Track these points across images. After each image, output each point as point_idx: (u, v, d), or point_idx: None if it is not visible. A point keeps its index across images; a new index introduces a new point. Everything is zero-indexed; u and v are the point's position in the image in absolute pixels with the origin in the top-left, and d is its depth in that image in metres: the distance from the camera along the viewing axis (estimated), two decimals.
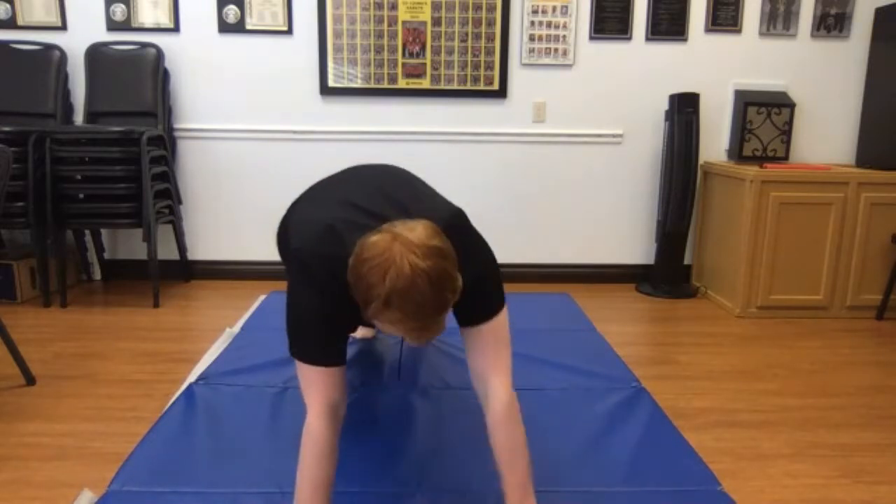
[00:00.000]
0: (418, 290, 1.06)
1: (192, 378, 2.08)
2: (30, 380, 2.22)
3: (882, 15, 3.38)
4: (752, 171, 3.10)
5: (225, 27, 3.37)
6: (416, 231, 1.11)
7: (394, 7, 3.33)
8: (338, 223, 1.28)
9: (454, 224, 1.30)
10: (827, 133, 3.59)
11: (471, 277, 1.24)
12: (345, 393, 1.35)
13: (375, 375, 2.08)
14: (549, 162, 3.56)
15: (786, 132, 3.41)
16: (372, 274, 1.07)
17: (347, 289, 1.16)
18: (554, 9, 3.39)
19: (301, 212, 1.47)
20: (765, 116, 3.39)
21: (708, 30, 3.46)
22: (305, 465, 1.28)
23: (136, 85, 3.30)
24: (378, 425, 1.83)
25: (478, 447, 1.65)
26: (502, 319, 1.36)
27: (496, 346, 1.34)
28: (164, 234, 3.43)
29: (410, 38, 3.37)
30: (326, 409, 1.29)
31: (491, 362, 1.33)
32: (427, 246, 1.08)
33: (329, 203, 1.39)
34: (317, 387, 1.31)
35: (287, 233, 1.49)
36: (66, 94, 3.33)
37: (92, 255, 3.55)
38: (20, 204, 2.97)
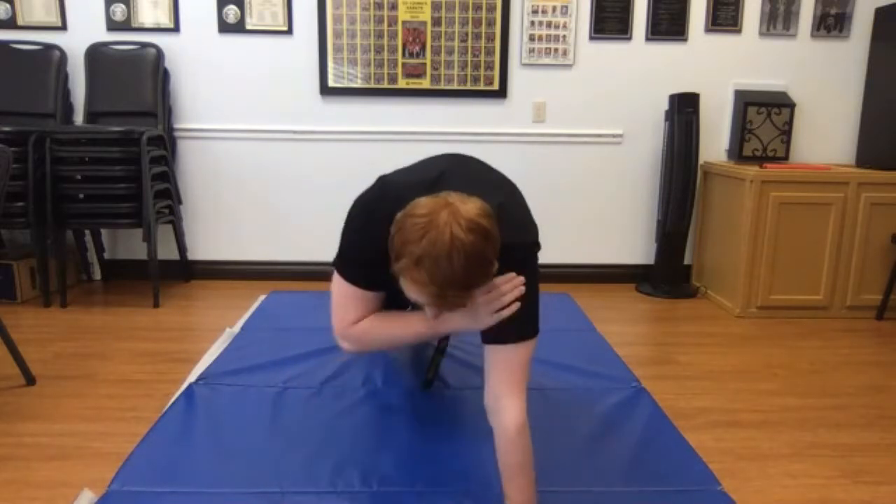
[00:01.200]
0: (451, 260, 1.06)
1: (192, 378, 2.08)
2: (30, 380, 2.22)
3: (882, 15, 3.38)
4: (752, 171, 3.10)
5: (225, 27, 3.37)
6: (469, 205, 1.10)
7: (394, 7, 3.33)
8: (428, 184, 1.28)
9: (526, 248, 1.30)
10: (827, 133, 3.59)
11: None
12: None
13: (377, 375, 2.08)
14: (549, 162, 3.56)
15: (786, 132, 3.41)
16: (413, 230, 1.07)
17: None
18: (554, 9, 3.39)
19: (420, 162, 1.46)
20: (765, 116, 3.39)
21: (708, 30, 3.46)
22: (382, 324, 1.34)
23: (136, 85, 3.30)
24: (378, 425, 1.83)
25: (478, 447, 1.65)
26: (529, 347, 1.33)
27: (515, 370, 1.32)
28: (164, 234, 3.43)
29: (410, 38, 3.37)
30: (355, 321, 1.33)
31: (509, 382, 1.31)
32: (474, 222, 1.08)
33: (438, 170, 1.36)
34: (349, 306, 1.33)
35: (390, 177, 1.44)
36: (66, 94, 3.33)
37: (92, 255, 3.55)
38: (20, 204, 2.97)
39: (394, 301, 1.42)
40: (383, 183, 1.34)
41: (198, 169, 3.51)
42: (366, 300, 1.34)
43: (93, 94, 3.30)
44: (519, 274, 1.28)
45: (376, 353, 2.21)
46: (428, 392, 2.00)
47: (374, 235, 1.24)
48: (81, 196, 3.07)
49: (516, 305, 1.25)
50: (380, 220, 1.22)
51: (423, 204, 1.10)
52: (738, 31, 3.47)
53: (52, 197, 2.99)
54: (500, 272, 1.22)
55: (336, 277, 1.35)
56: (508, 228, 1.22)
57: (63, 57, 3.29)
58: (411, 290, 1.13)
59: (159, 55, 3.30)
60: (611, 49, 3.46)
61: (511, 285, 1.25)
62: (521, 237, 1.31)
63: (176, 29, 3.36)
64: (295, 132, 3.47)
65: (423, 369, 2.13)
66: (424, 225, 1.06)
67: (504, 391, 1.30)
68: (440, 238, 1.05)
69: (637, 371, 2.24)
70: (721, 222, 3.40)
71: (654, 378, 2.32)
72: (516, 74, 3.46)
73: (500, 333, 1.30)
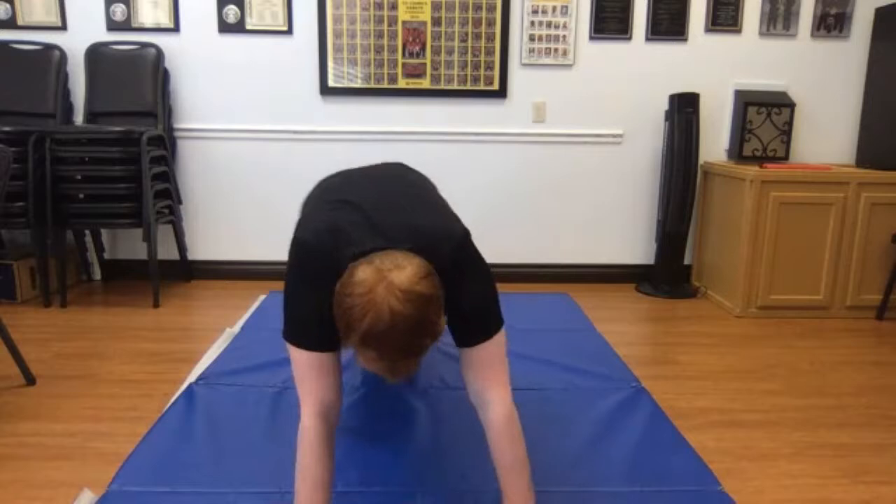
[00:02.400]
0: (395, 334, 1.08)
1: (192, 378, 2.08)
2: (30, 380, 2.22)
3: (882, 15, 3.38)
4: (752, 171, 3.10)
5: (225, 27, 3.37)
6: (405, 272, 1.11)
7: (394, 7, 3.33)
8: (343, 224, 1.29)
9: (459, 247, 1.30)
10: (827, 133, 3.59)
11: (471, 302, 1.26)
12: (339, 389, 1.35)
13: (375, 375, 2.08)
14: (549, 162, 3.56)
15: (786, 132, 3.41)
16: (353, 311, 1.09)
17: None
18: (554, 9, 3.39)
19: (315, 203, 1.47)
20: (765, 116, 3.39)
21: (708, 30, 3.46)
22: (303, 465, 1.29)
23: (136, 85, 3.30)
24: (378, 425, 1.83)
25: (477, 447, 1.65)
26: (500, 339, 1.35)
27: (492, 364, 1.33)
28: (164, 234, 3.43)
29: (410, 38, 3.37)
30: (320, 406, 1.30)
31: (489, 377, 1.33)
32: (411, 291, 1.09)
33: (342, 201, 1.38)
34: (310, 379, 1.31)
35: (303, 210, 1.50)
36: (66, 94, 3.33)
37: (92, 255, 3.55)
38: (20, 204, 2.97)
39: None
40: (303, 243, 1.33)
41: (198, 169, 3.51)
42: (322, 366, 1.31)
43: (93, 94, 3.30)
44: (472, 271, 1.30)
45: None
46: (427, 392, 2.00)
47: (318, 292, 1.25)
48: (81, 196, 3.07)
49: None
50: (319, 277, 1.24)
51: (357, 281, 1.10)
52: (738, 31, 3.47)
53: (52, 197, 2.99)
54: (453, 276, 1.23)
55: (291, 350, 1.33)
56: (443, 238, 1.27)
57: (63, 57, 3.29)
58: (365, 364, 1.16)
59: (159, 55, 3.30)
60: (611, 49, 3.46)
61: None
62: (456, 238, 1.31)
63: (176, 29, 3.36)
64: (295, 132, 3.47)
65: (425, 373, 2.13)
66: (363, 305, 1.08)
67: (486, 385, 1.32)
68: (381, 316, 1.07)
69: (637, 371, 2.25)
70: (721, 222, 3.40)
71: (654, 378, 2.32)
72: (516, 74, 3.46)
73: (473, 334, 1.32)
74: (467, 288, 1.27)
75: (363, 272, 1.12)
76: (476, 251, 1.35)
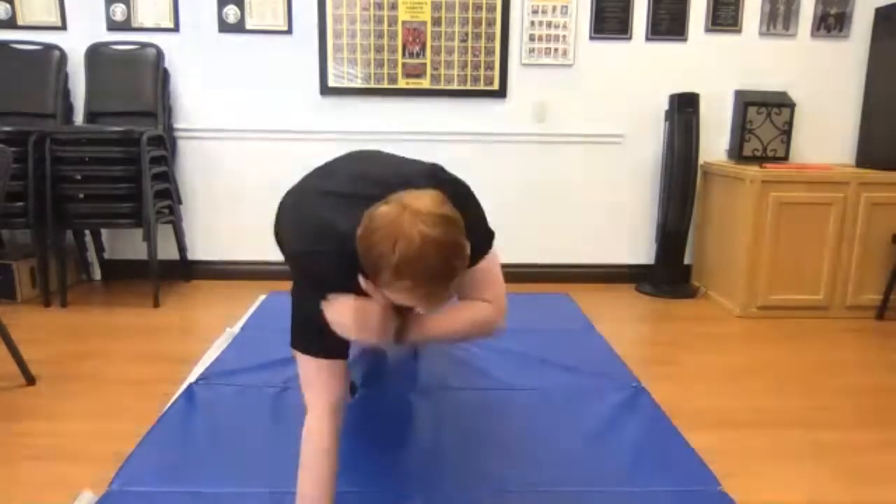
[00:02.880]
0: (428, 258, 1.07)
1: (192, 378, 2.08)
2: (30, 380, 2.22)
3: (882, 15, 3.37)
4: (752, 171, 3.10)
5: (225, 27, 3.36)
6: (424, 199, 1.11)
7: (394, 7, 3.33)
8: (326, 217, 1.28)
9: (433, 175, 1.32)
10: (827, 133, 3.59)
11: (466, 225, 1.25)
12: (346, 390, 1.35)
13: (376, 376, 2.08)
14: (550, 162, 3.56)
15: (786, 132, 3.41)
16: (382, 243, 1.07)
17: (349, 282, 1.16)
18: (554, 9, 3.39)
19: (290, 214, 1.47)
20: (765, 116, 3.39)
21: (708, 30, 3.46)
22: (307, 466, 1.28)
23: (135, 85, 3.29)
24: (378, 425, 1.83)
25: (477, 447, 1.65)
26: (492, 258, 1.36)
27: (486, 280, 1.34)
28: (164, 234, 3.43)
29: (410, 38, 3.37)
30: (327, 408, 1.30)
31: (480, 291, 1.34)
32: (436, 214, 1.09)
33: (313, 200, 1.39)
34: (318, 383, 1.31)
35: (280, 235, 1.50)
36: (66, 94, 3.33)
37: (92, 255, 3.55)
38: (20, 204, 2.97)
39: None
40: (294, 256, 1.33)
41: (198, 169, 3.51)
42: (332, 371, 1.31)
43: (93, 94, 3.30)
44: (454, 193, 1.26)
45: (376, 353, 2.21)
46: (427, 392, 2.00)
47: (323, 278, 1.26)
48: (81, 196, 3.07)
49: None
50: (319, 283, 1.25)
51: (379, 215, 1.10)
52: (738, 31, 3.47)
53: (52, 197, 2.99)
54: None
55: (300, 359, 1.33)
56: (420, 178, 1.29)
57: (63, 57, 3.29)
58: (401, 298, 1.14)
59: (159, 55, 3.30)
60: (611, 49, 3.46)
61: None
62: (432, 172, 1.35)
63: (176, 29, 3.36)
64: (295, 132, 3.47)
65: (425, 373, 2.13)
66: (391, 234, 1.07)
67: (478, 297, 1.34)
68: (411, 241, 1.06)
69: (637, 371, 2.24)
70: (721, 222, 3.40)
71: (654, 378, 2.32)
72: (516, 74, 3.46)
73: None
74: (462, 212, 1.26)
75: (382, 209, 1.11)
76: (453, 175, 1.37)
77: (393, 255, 1.06)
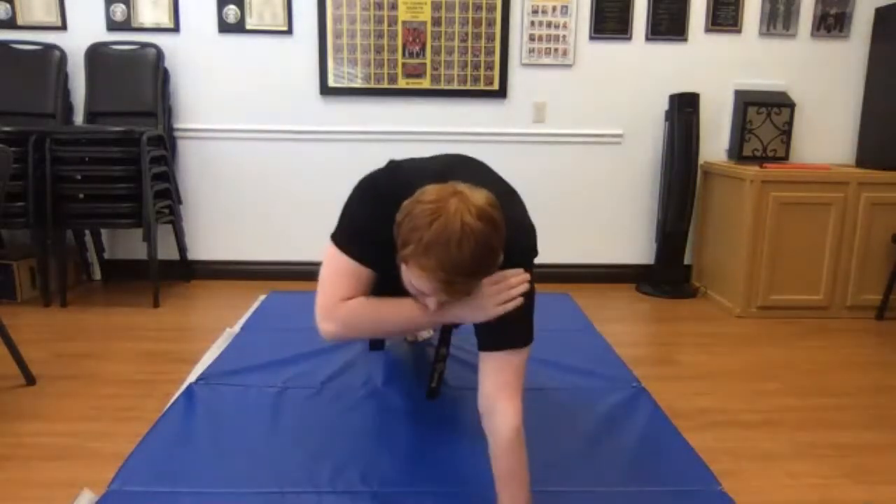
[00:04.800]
0: (461, 246, 1.06)
1: (192, 378, 2.08)
2: (30, 380, 2.22)
3: (882, 15, 3.37)
4: (752, 171, 3.10)
5: (225, 27, 3.36)
6: (477, 194, 1.11)
7: (394, 7, 3.33)
8: (436, 173, 1.27)
9: (526, 252, 1.31)
10: (827, 133, 3.59)
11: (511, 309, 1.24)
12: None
13: (377, 375, 2.08)
14: (549, 162, 3.56)
15: (786, 132, 3.41)
16: (422, 216, 1.07)
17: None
18: (554, 9, 3.39)
19: (415, 160, 1.47)
20: (765, 116, 3.39)
21: (708, 30, 3.46)
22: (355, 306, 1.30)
23: (135, 85, 3.29)
24: (378, 425, 1.83)
25: (477, 447, 1.65)
26: (525, 353, 1.33)
27: (512, 375, 1.31)
28: (164, 234, 3.43)
29: (410, 38, 3.37)
30: (339, 301, 1.31)
31: (504, 387, 1.30)
32: (484, 210, 1.08)
33: (444, 165, 1.39)
34: (342, 285, 1.30)
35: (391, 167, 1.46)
36: (66, 94, 3.33)
37: (92, 255, 3.55)
38: (20, 204, 2.97)
39: (384, 292, 1.41)
40: (395, 165, 1.36)
41: (198, 169, 3.51)
42: (360, 279, 1.31)
43: (93, 94, 3.30)
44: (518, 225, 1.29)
45: (376, 353, 2.21)
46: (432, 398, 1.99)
47: (380, 214, 1.23)
48: (81, 196, 3.07)
49: (521, 300, 1.25)
50: (387, 200, 1.22)
51: (431, 191, 1.10)
52: (738, 31, 3.47)
53: (52, 197, 2.99)
54: (500, 269, 1.22)
55: (331, 252, 1.32)
56: (510, 227, 1.21)
57: (63, 57, 3.29)
58: (418, 278, 1.13)
59: (159, 55, 3.30)
60: (611, 49, 3.46)
61: (518, 279, 1.26)
62: (522, 238, 1.31)
63: (176, 29, 3.36)
64: (295, 132, 3.47)
65: (425, 373, 2.13)
66: (434, 210, 1.06)
67: (500, 395, 1.29)
68: (450, 224, 1.05)
69: (637, 371, 2.24)
70: (721, 222, 3.40)
71: (654, 378, 2.32)
72: (516, 74, 3.46)
73: (499, 339, 1.30)
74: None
75: (436, 187, 1.11)
76: (533, 268, 1.33)
77: (427, 231, 1.05)
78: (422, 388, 2.01)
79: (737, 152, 3.43)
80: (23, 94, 3.25)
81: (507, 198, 1.34)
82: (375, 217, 1.27)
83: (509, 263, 1.25)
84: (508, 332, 1.29)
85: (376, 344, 1.56)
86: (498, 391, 1.30)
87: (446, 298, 1.18)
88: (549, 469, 1.57)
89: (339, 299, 1.31)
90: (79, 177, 3.06)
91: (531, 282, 1.31)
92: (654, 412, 1.91)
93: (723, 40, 3.47)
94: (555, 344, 2.42)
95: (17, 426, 1.93)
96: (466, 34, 3.38)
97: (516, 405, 1.29)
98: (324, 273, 1.34)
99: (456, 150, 3.72)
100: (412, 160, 1.42)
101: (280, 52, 3.40)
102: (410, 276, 1.14)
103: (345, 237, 1.33)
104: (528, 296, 1.30)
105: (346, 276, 1.30)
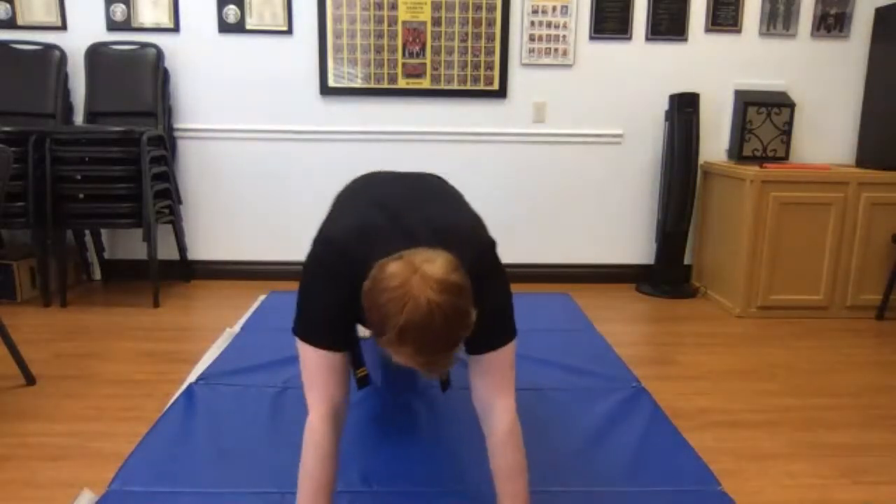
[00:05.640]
0: (433, 325, 1.06)
1: (192, 378, 2.08)
2: (30, 380, 2.22)
3: (882, 15, 3.37)
4: (752, 171, 3.10)
5: (225, 27, 3.36)
6: (436, 264, 1.10)
7: (394, 7, 3.33)
8: (369, 226, 1.28)
9: (484, 256, 1.30)
10: (827, 133, 3.59)
11: (488, 310, 1.24)
12: (347, 390, 1.34)
13: (376, 375, 2.08)
14: (549, 162, 3.56)
15: (786, 132, 3.41)
16: (390, 305, 1.07)
17: (354, 301, 1.16)
18: (554, 9, 3.39)
19: (344, 203, 1.46)
20: (765, 116, 3.39)
21: (708, 30, 3.46)
22: (308, 467, 1.28)
23: (135, 85, 3.30)
24: (378, 425, 1.83)
25: (477, 447, 1.65)
26: (511, 348, 1.35)
27: (502, 372, 1.33)
28: (164, 234, 3.43)
29: (410, 38, 3.37)
30: (329, 408, 1.29)
31: (497, 385, 1.32)
32: (445, 281, 1.08)
33: (371, 202, 1.38)
34: (321, 378, 1.30)
35: (331, 210, 1.46)
36: (66, 94, 3.33)
37: (92, 255, 3.55)
38: (20, 204, 2.97)
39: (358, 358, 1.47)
40: (328, 241, 1.31)
41: (198, 169, 3.51)
42: (333, 368, 1.30)
43: (93, 94, 3.30)
44: (493, 279, 1.30)
45: (376, 353, 2.21)
46: (427, 392, 1.99)
47: (335, 299, 1.26)
48: (81, 196, 3.07)
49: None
50: (341, 283, 1.24)
51: (389, 275, 1.09)
52: (738, 31, 3.47)
53: (52, 197, 2.99)
54: (477, 283, 1.20)
55: (298, 345, 1.32)
56: (468, 243, 1.26)
57: (63, 57, 3.29)
58: (401, 361, 1.14)
59: (159, 55, 3.30)
60: (611, 49, 3.46)
61: None
62: (482, 245, 1.31)
63: (176, 29, 3.36)
64: (295, 132, 3.47)
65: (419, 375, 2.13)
66: (399, 296, 1.06)
67: (493, 393, 1.32)
68: (418, 307, 1.05)
69: (637, 371, 2.25)
70: (721, 222, 3.40)
71: (654, 378, 2.32)
72: (516, 74, 3.46)
73: (484, 342, 1.30)
74: (484, 297, 1.24)
75: (394, 266, 1.10)
76: (499, 262, 1.34)
77: (399, 318, 1.06)
78: (422, 388, 2.02)
79: (737, 152, 3.43)
80: (23, 94, 3.25)
81: (451, 209, 1.38)
82: (333, 305, 1.27)
83: (483, 270, 1.25)
84: (493, 333, 1.31)
85: (363, 381, 1.57)
86: (491, 391, 1.32)
87: (431, 374, 1.20)
88: (548, 469, 1.57)
89: (317, 399, 1.30)
90: (79, 177, 3.06)
91: (505, 274, 1.33)
92: (654, 412, 1.91)
93: (723, 40, 3.47)
94: (555, 344, 2.42)
95: (18, 426, 1.93)
96: (466, 34, 3.38)
97: (509, 402, 1.32)
98: (300, 366, 1.34)
99: (456, 149, 3.75)
100: (339, 221, 1.37)
101: (280, 52, 3.40)
102: (394, 357, 1.15)
103: (308, 329, 1.32)
104: (506, 293, 1.33)
105: (318, 370, 1.30)
